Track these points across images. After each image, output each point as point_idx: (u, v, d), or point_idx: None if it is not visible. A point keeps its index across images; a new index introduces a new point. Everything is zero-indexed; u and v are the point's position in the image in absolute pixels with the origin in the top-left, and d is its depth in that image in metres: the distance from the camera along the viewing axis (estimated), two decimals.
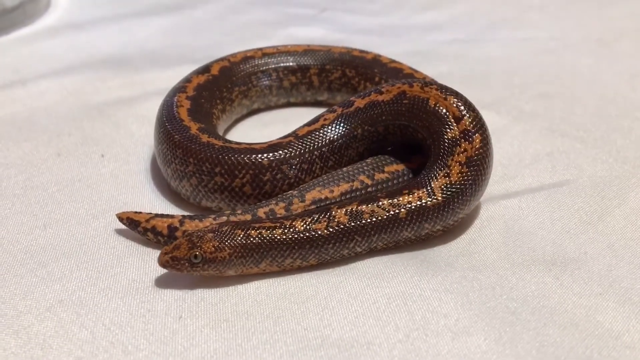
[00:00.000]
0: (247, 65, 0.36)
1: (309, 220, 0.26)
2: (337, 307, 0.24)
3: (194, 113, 0.31)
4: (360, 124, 0.29)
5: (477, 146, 0.27)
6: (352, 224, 0.26)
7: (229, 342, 0.23)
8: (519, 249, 0.27)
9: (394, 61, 0.37)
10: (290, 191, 0.28)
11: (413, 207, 0.26)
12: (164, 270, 0.25)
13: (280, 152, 0.28)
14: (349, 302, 0.24)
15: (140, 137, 0.35)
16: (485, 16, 0.52)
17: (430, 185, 0.26)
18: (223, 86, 0.35)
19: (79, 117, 0.37)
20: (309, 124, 0.30)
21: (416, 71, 0.36)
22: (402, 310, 0.24)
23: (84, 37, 0.49)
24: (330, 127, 0.29)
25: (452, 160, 0.27)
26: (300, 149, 0.28)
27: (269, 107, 0.38)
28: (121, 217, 0.28)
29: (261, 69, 0.37)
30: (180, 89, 0.33)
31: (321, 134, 0.29)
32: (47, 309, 0.24)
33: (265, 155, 0.28)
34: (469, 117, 0.27)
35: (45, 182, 0.32)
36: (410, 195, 0.26)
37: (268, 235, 0.25)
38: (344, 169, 0.29)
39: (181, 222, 0.27)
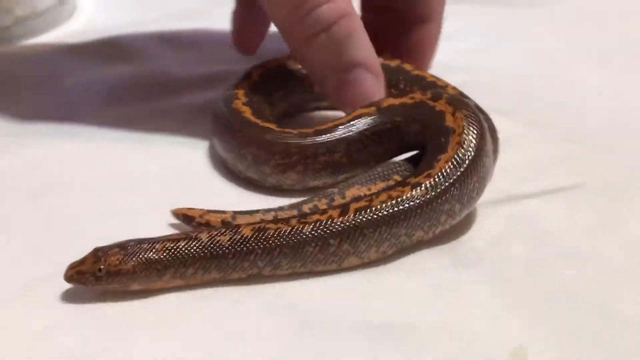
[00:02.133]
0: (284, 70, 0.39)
1: (215, 233, 0.26)
2: (376, 295, 0.26)
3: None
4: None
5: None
6: (255, 238, 0.26)
7: None
8: (542, 246, 0.29)
9: (416, 69, 0.39)
10: (330, 189, 0.30)
11: (319, 225, 0.26)
12: None
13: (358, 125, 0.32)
14: (388, 291, 0.26)
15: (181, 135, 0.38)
16: (493, 28, 0.55)
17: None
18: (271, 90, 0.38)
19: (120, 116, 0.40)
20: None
21: (438, 79, 0.38)
22: (441, 300, 0.26)
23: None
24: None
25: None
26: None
27: (299, 110, 0.40)
28: (176, 213, 0.30)
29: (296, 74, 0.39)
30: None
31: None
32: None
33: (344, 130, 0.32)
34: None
35: (101, 176, 0.34)
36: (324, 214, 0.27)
37: (172, 247, 0.26)
38: (379, 168, 0.31)
39: (233, 217, 0.29)
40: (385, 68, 0.39)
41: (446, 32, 0.53)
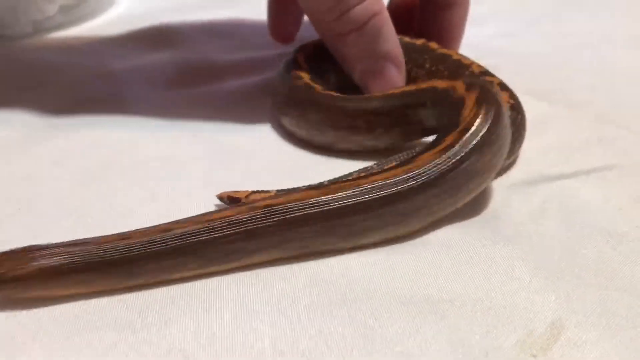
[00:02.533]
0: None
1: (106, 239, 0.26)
2: (417, 270, 0.27)
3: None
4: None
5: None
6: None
7: None
8: (577, 224, 0.30)
9: (441, 47, 0.40)
10: (371, 165, 0.32)
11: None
12: None
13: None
14: (427, 267, 0.28)
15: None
16: (526, 11, 0.55)
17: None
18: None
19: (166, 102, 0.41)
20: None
21: (463, 57, 0.39)
22: (479, 275, 0.27)
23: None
24: None
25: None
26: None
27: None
28: (221, 197, 0.31)
29: None
30: None
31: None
32: None
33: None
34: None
35: (149, 159, 0.36)
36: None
37: (71, 252, 0.25)
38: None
39: (276, 196, 0.30)
40: (411, 47, 0.40)
41: (478, 17, 0.54)
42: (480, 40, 0.49)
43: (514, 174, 0.34)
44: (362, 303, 0.26)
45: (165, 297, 0.26)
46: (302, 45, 0.41)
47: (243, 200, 0.30)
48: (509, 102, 0.34)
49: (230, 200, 0.31)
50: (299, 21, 0.46)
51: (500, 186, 0.33)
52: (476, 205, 0.31)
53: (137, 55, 0.48)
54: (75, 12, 0.53)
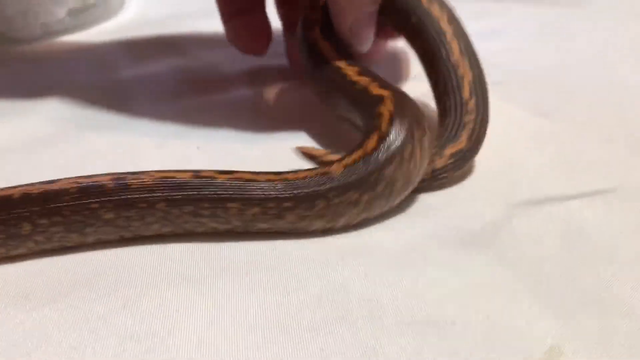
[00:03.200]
0: None
1: None
2: (420, 291, 0.28)
3: None
4: None
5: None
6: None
7: None
8: (578, 248, 0.30)
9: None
10: None
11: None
12: None
13: None
14: (431, 287, 0.28)
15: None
16: (530, 27, 0.56)
17: None
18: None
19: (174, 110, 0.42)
20: None
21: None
22: (480, 297, 0.27)
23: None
24: None
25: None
26: None
27: None
28: (303, 151, 0.34)
29: None
30: None
31: None
32: None
33: None
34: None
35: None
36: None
37: None
38: None
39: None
40: None
41: (483, 31, 0.54)
42: (484, 55, 0.49)
43: (517, 193, 0.34)
44: (364, 322, 0.26)
45: (170, 308, 0.27)
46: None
47: (320, 160, 0.34)
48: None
49: (309, 156, 0.34)
50: (270, 33, 0.44)
51: (503, 205, 0.33)
52: (478, 225, 0.31)
53: (145, 62, 0.48)
54: (84, 16, 0.53)
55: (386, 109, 0.31)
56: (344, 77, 0.35)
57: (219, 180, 0.29)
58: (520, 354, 0.25)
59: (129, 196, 0.28)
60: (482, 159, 0.36)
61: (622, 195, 0.34)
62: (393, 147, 0.30)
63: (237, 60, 0.49)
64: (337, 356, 0.25)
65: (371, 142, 0.30)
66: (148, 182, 0.28)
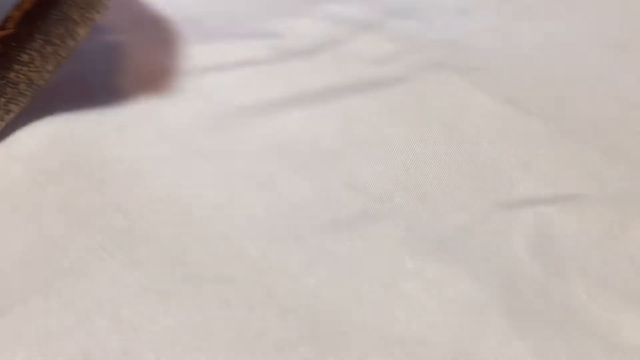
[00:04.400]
0: None
1: None
2: (392, 307, 0.27)
3: None
4: None
5: None
6: None
7: None
8: (552, 259, 0.30)
9: None
10: None
11: None
12: None
13: None
14: (398, 303, 0.27)
15: None
16: (509, 6, 0.54)
17: None
18: None
19: None
20: None
21: None
22: (450, 314, 0.27)
23: None
24: None
25: None
26: None
27: None
28: None
29: None
30: None
31: None
32: None
33: None
34: None
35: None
36: None
37: None
38: None
39: None
40: None
41: (461, 7, 0.52)
42: (462, 36, 0.48)
43: (490, 194, 0.33)
44: (331, 341, 0.25)
45: (127, 326, 0.26)
46: None
47: None
48: None
49: None
50: None
51: (474, 207, 0.32)
52: (450, 231, 0.31)
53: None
54: None
55: None
56: None
57: None
58: None
59: None
60: (453, 154, 0.35)
61: (596, 202, 0.33)
62: None
63: None
64: None
65: None
66: None
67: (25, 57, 0.32)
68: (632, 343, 0.26)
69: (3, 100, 0.32)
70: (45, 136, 0.35)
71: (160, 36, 0.45)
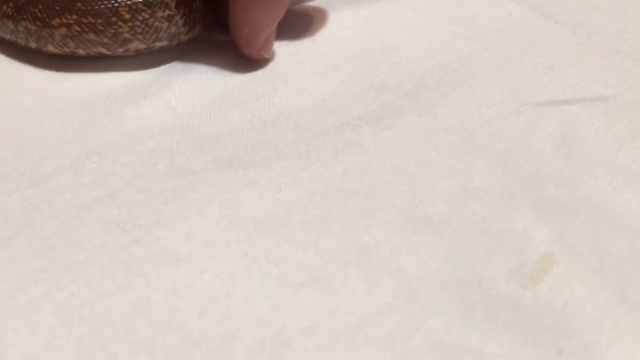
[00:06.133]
0: None
1: None
2: (412, 191, 0.27)
3: None
4: None
5: None
6: None
7: None
8: (576, 154, 0.30)
9: None
10: None
11: None
12: None
13: None
14: (424, 189, 0.27)
15: None
16: None
17: None
18: None
19: None
20: None
21: None
22: (475, 199, 0.27)
23: None
24: None
25: None
26: None
27: None
28: None
29: None
30: None
31: None
32: None
33: None
34: None
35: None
36: None
37: None
38: None
39: None
40: None
41: None
42: None
43: (518, 94, 0.33)
44: (358, 219, 0.26)
45: (159, 199, 0.26)
46: None
47: None
48: None
49: None
50: None
51: (500, 104, 0.32)
52: (476, 125, 0.31)
53: None
54: None
55: None
56: None
57: None
58: (514, 259, 0.24)
59: None
60: (479, 58, 0.34)
61: (621, 104, 0.33)
62: None
63: None
64: (331, 251, 0.24)
65: None
66: None
67: None
68: None
69: None
70: None
71: None
